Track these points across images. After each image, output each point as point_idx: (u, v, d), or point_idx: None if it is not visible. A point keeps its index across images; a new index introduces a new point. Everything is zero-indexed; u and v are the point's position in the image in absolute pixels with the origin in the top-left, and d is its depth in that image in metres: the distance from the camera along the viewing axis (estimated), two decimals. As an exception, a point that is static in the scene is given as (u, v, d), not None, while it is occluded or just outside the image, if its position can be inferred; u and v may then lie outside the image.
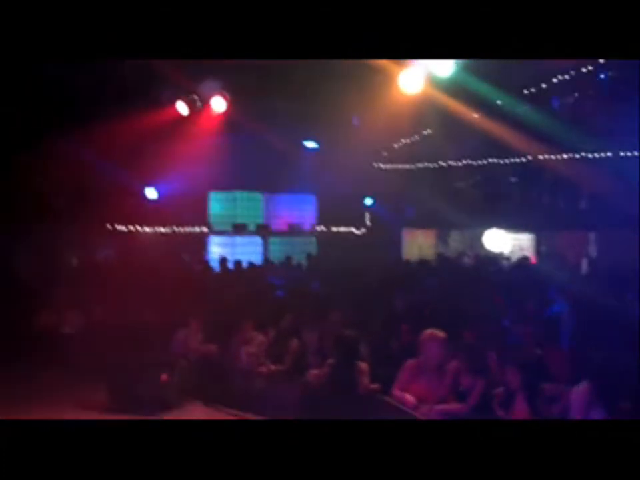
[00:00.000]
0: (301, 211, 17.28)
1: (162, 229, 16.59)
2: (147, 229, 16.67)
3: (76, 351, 8.57)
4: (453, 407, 5.60)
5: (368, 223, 18.34)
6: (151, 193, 16.17)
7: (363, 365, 6.28)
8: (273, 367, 7.31)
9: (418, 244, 18.46)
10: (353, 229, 18.09)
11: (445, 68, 9.16)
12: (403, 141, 16.85)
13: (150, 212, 15.98)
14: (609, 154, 14.64)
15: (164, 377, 7.34)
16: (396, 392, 5.95)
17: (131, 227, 16.56)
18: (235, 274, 12.30)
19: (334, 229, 17.65)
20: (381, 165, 17.81)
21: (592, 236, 15.70)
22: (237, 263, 12.77)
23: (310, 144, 16.94)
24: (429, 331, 5.99)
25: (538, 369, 5.53)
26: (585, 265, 13.97)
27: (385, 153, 17.50)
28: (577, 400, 4.85)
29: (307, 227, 17.12)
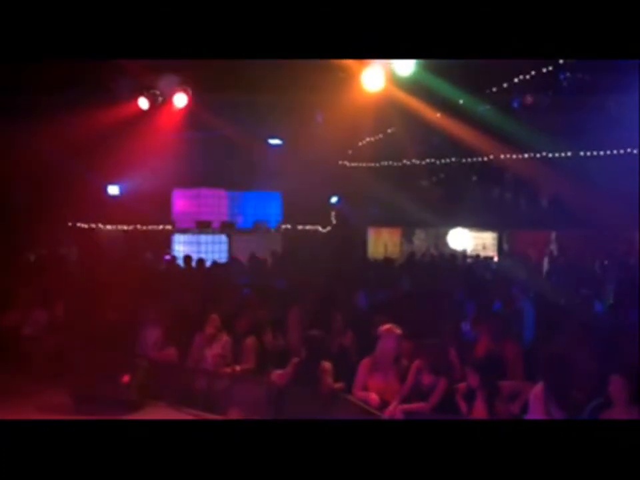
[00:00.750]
0: (266, 208, 17.23)
1: (125, 227, 16.36)
2: (109, 227, 16.42)
3: (37, 351, 8.40)
4: (416, 406, 5.63)
5: (333, 220, 18.37)
6: (113, 190, 15.93)
7: (327, 365, 6.28)
8: (238, 368, 7.24)
9: (383, 242, 18.58)
10: (319, 227, 18.10)
11: (406, 67, 9.23)
12: (367, 139, 16.91)
13: (112, 209, 15.73)
14: (569, 154, 14.96)
15: (125, 378, 7.23)
16: (357, 391, 5.97)
17: (93, 225, 16.29)
18: (199, 272, 12.18)
19: (299, 226, 17.64)
20: (346, 163, 17.84)
21: (553, 235, 16.01)
22: (201, 261, 12.66)
23: (274, 141, 16.88)
24: (386, 326, 6.04)
25: (495, 366, 5.60)
26: (545, 263, 14.24)
27: (349, 151, 17.53)
28: (535, 401, 4.94)
29: (272, 224, 17.07)
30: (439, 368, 5.64)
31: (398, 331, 5.99)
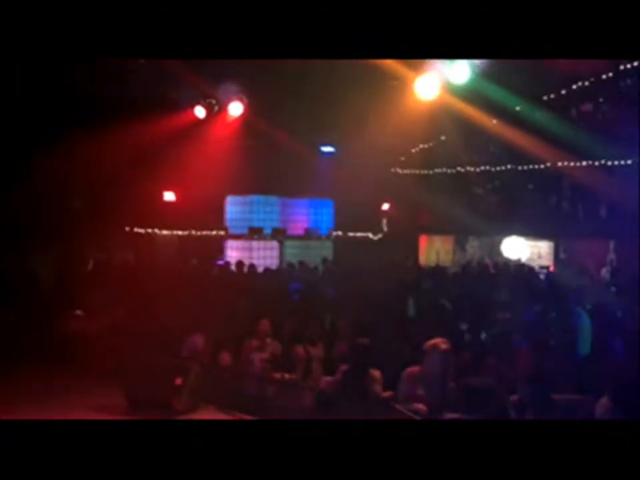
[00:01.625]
0: (318, 215, 17.30)
1: (179, 232, 16.70)
2: (165, 232, 16.79)
3: (94, 354, 8.65)
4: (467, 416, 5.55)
5: (385, 228, 18.29)
6: (169, 196, 16.29)
7: (376, 373, 6.25)
8: (287, 376, 7.29)
9: (435, 250, 18.38)
10: (370, 234, 18.05)
11: (461, 74, 9.14)
12: (420, 146, 16.80)
13: (168, 215, 16.08)
14: (629, 162, 14.49)
15: (178, 381, 7.36)
16: (402, 401, 5.92)
17: (149, 230, 16.68)
18: (251, 278, 12.32)
19: (350, 233, 17.63)
20: (398, 170, 17.76)
21: (611, 244, 15.51)
22: (252, 267, 12.80)
23: (327, 148, 16.95)
24: (432, 341, 5.92)
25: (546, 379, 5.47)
26: (605, 273, 13.82)
27: (402, 158, 17.44)
28: (602, 414, 4.82)
29: (323, 231, 17.13)
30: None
31: (444, 345, 5.86)
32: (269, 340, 7.73)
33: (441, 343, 5.90)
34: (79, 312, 9.88)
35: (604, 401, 4.87)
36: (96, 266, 13.54)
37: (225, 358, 7.89)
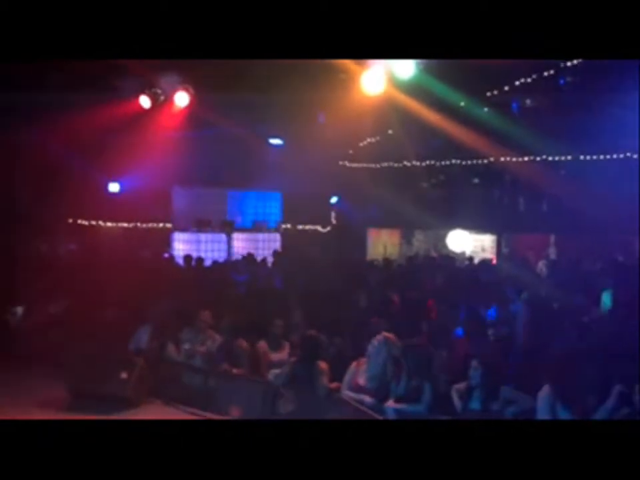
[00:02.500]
0: (266, 207, 17.25)
1: (125, 224, 16.39)
2: (110, 224, 16.44)
3: (36, 346, 8.45)
4: (409, 406, 5.68)
5: (333, 221, 18.38)
6: (113, 188, 15.96)
7: (323, 365, 6.32)
8: (234, 371, 7.27)
9: (383, 242, 18.59)
10: (319, 227, 18.12)
11: (406, 69, 9.27)
12: (368, 139, 16.93)
13: (113, 207, 15.76)
14: (569, 157, 14.97)
15: (124, 375, 7.28)
16: (347, 391, 6.03)
17: (93, 222, 16.32)
18: (198, 271, 12.22)
19: (299, 226, 17.65)
20: (347, 163, 17.86)
21: (552, 238, 16.02)
22: (200, 260, 12.69)
23: (275, 141, 16.90)
24: (380, 335, 6.10)
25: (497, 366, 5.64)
26: (543, 266, 14.26)
27: (350, 151, 17.55)
28: (542, 403, 4.99)
29: (272, 224, 17.10)
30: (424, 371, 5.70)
31: (391, 337, 6.05)
32: (209, 331, 7.68)
33: (387, 335, 6.05)
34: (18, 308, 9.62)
35: (544, 389, 5.05)
36: (37, 258, 13.17)
37: (171, 350, 7.83)
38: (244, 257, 13.56)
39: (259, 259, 13.62)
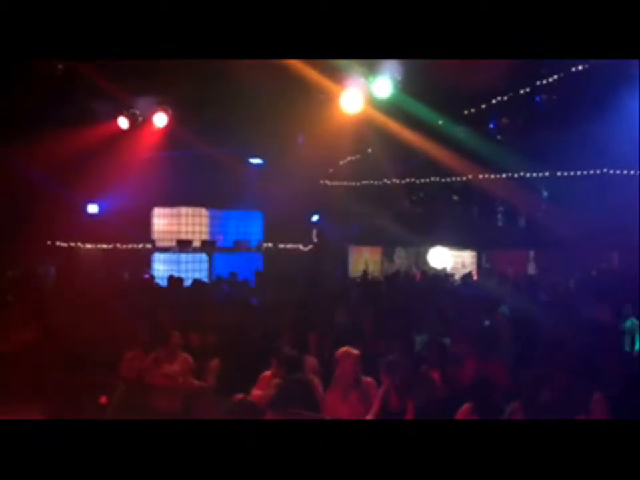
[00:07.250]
0: (247, 227, 17.23)
1: (104, 246, 16.25)
2: (89, 246, 16.30)
3: (12, 370, 8.31)
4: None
5: (315, 239, 18.41)
6: (92, 209, 15.85)
7: (315, 380, 6.26)
8: (196, 383, 7.14)
9: (364, 260, 18.65)
10: (300, 246, 18.13)
11: (383, 89, 9.40)
12: (348, 158, 17.04)
13: (92, 228, 15.64)
14: (546, 174, 15.19)
15: (103, 399, 7.17)
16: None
17: (72, 244, 16.17)
18: (178, 291, 12.12)
19: (281, 245, 17.65)
20: (327, 182, 17.95)
21: (531, 254, 16.19)
22: (180, 280, 12.60)
23: (255, 160, 16.94)
24: (343, 349, 6.06)
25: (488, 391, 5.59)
26: (524, 282, 14.38)
27: (330, 170, 17.66)
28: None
29: (253, 243, 17.07)
30: (407, 389, 5.63)
31: (355, 352, 6.02)
32: (178, 352, 7.56)
33: (350, 349, 6.03)
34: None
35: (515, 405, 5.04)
36: (11, 282, 12.99)
37: (150, 372, 7.71)
38: (228, 277, 13.50)
39: (240, 278, 13.57)
